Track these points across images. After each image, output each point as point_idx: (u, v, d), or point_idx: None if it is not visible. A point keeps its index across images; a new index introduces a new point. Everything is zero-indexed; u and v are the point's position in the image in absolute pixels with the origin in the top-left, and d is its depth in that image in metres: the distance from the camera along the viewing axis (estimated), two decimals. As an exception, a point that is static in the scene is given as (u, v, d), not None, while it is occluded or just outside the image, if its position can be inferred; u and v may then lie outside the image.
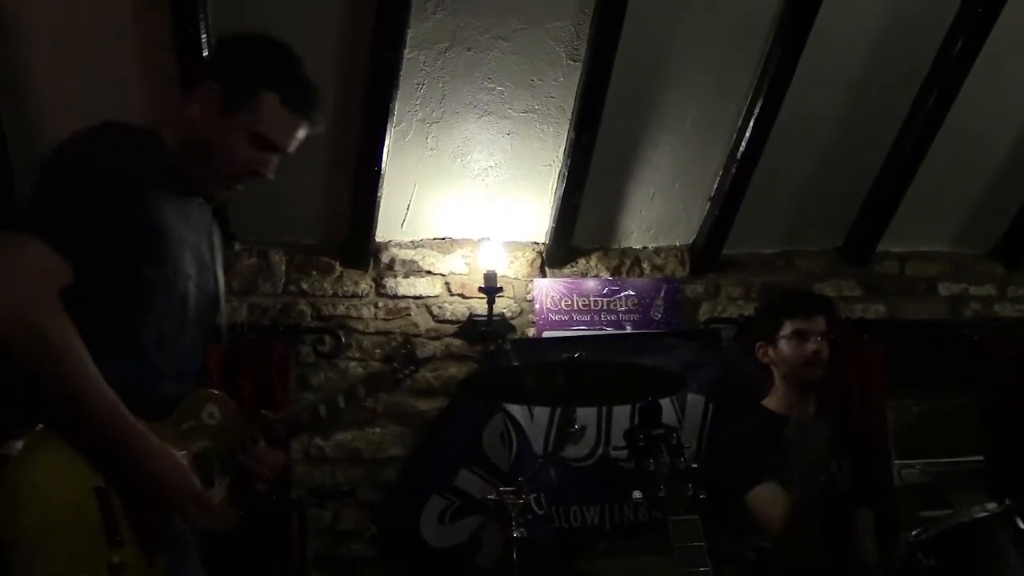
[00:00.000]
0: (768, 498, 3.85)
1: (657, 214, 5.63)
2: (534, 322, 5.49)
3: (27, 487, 2.01)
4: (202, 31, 4.32)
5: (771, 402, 4.28)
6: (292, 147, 2.57)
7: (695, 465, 2.61)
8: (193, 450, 2.31)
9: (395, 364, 3.22)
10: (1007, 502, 3.33)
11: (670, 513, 2.46)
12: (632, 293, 5.63)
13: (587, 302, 5.57)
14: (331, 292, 5.36)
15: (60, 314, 2.06)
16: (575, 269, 5.64)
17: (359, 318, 5.33)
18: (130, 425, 2.12)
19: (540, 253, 5.60)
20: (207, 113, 2.45)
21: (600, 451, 5.01)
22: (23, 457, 2.02)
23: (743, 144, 5.20)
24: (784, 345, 4.19)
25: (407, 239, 5.47)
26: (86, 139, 2.32)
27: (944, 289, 6.01)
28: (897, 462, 5.62)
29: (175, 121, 2.50)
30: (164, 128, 2.49)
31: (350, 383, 3.10)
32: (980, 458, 5.65)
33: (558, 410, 4.66)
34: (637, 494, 2.56)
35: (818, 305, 4.30)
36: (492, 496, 3.46)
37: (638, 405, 3.21)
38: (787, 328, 4.19)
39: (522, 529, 3.38)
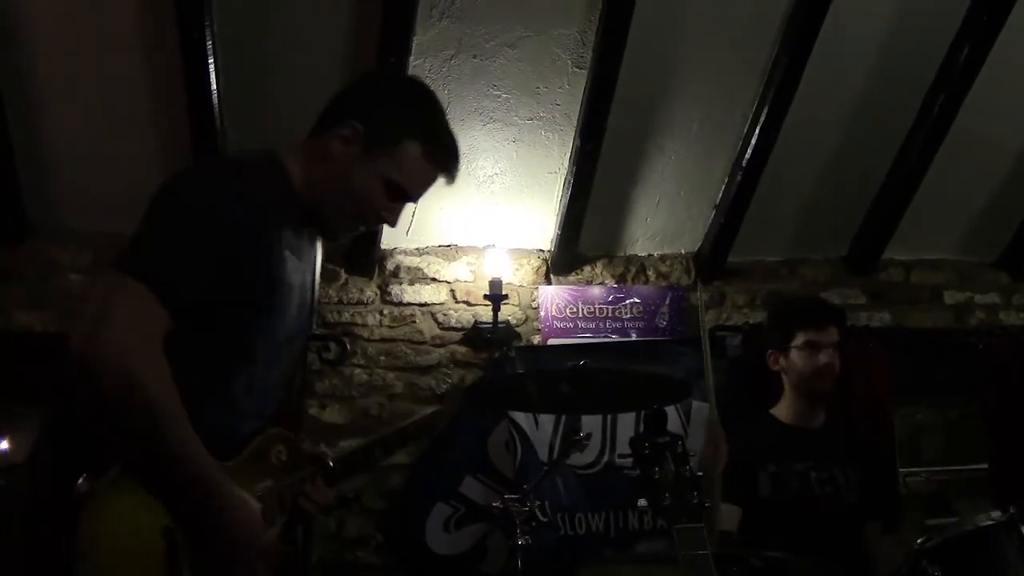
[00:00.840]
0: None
1: (662, 222, 5.63)
2: (539, 329, 5.50)
3: (105, 522, 2.00)
4: (207, 36, 4.34)
5: (779, 411, 4.26)
6: (423, 194, 2.51)
7: (700, 473, 2.60)
8: (257, 490, 2.26)
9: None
10: (1012, 510, 3.32)
11: (675, 521, 2.45)
12: (637, 301, 5.64)
13: (592, 309, 5.57)
14: (336, 299, 5.37)
15: (161, 366, 2.02)
16: (580, 276, 5.65)
17: (364, 325, 5.33)
18: (215, 482, 2.09)
19: (545, 260, 5.61)
20: (347, 152, 2.38)
21: (605, 459, 5.00)
22: (104, 494, 2.01)
23: (748, 152, 5.20)
24: (795, 355, 4.17)
25: (412, 246, 5.48)
26: (200, 177, 2.29)
27: (949, 297, 6.01)
28: (902, 470, 5.61)
29: (309, 154, 2.43)
30: (293, 157, 2.42)
31: (401, 427, 3.02)
32: (985, 466, 5.64)
33: (563, 418, 4.65)
34: (642, 502, 2.55)
35: (831, 315, 4.27)
36: (497, 504, 3.45)
37: (643, 413, 3.20)
38: (799, 339, 4.17)
39: (527, 537, 3.37)
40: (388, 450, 2.79)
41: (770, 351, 4.28)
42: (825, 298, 5.55)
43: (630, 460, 2.84)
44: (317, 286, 2.60)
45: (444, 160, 2.48)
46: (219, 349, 2.22)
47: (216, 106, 4.59)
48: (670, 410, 4.66)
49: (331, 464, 2.52)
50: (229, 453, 2.23)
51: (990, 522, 3.27)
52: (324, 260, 5.16)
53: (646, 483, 2.54)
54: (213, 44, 4.39)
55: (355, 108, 2.42)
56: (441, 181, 2.52)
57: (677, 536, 2.43)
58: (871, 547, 4.06)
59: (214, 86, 4.51)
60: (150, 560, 2.04)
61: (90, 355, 1.96)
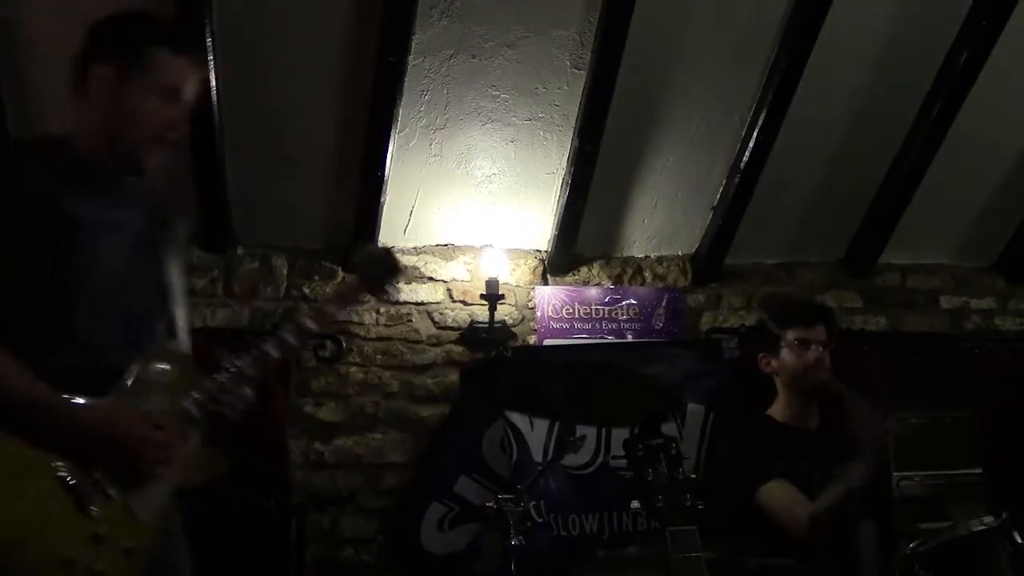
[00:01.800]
0: (787, 495, 3.82)
1: (660, 223, 5.64)
2: (535, 330, 5.50)
3: None
4: (207, 34, 4.34)
5: (775, 412, 4.27)
6: (192, 95, 2.63)
7: (694, 476, 2.61)
8: (153, 409, 2.39)
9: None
10: (1004, 516, 3.34)
11: (668, 523, 2.47)
12: (634, 302, 5.64)
13: (589, 310, 5.57)
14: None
15: None
16: (577, 277, 5.65)
17: (360, 324, 5.33)
18: (55, 401, 2.25)
19: (542, 261, 5.61)
20: (106, 88, 2.51)
21: (600, 459, 5.00)
22: None
23: (746, 155, 5.21)
24: (786, 354, 4.18)
25: (410, 245, 5.48)
26: None
27: (945, 302, 6.02)
28: (896, 474, 5.61)
29: (85, 115, 2.56)
30: (80, 129, 2.56)
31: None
32: (979, 471, 5.64)
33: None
34: (635, 504, 2.56)
35: (818, 314, 4.29)
36: (491, 504, 3.46)
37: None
38: (789, 337, 4.19)
39: (520, 537, 3.38)
40: (303, 333, 2.75)
41: (761, 355, 4.29)
42: (821, 301, 5.56)
43: (624, 462, 2.85)
44: (176, 229, 2.73)
45: (193, 48, 2.72)
46: (47, 293, 2.36)
47: (215, 104, 4.59)
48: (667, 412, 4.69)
49: (234, 367, 2.59)
50: (103, 385, 2.36)
51: (982, 527, 3.29)
52: (321, 259, 5.22)
53: (640, 485, 2.55)
54: (213, 42, 4.39)
55: (93, 54, 2.56)
56: (198, 67, 2.67)
57: (670, 538, 2.44)
58: (865, 549, 4.06)
59: (213, 83, 4.51)
60: (55, 512, 2.21)
61: None
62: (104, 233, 2.44)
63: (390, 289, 3.01)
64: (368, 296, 3.00)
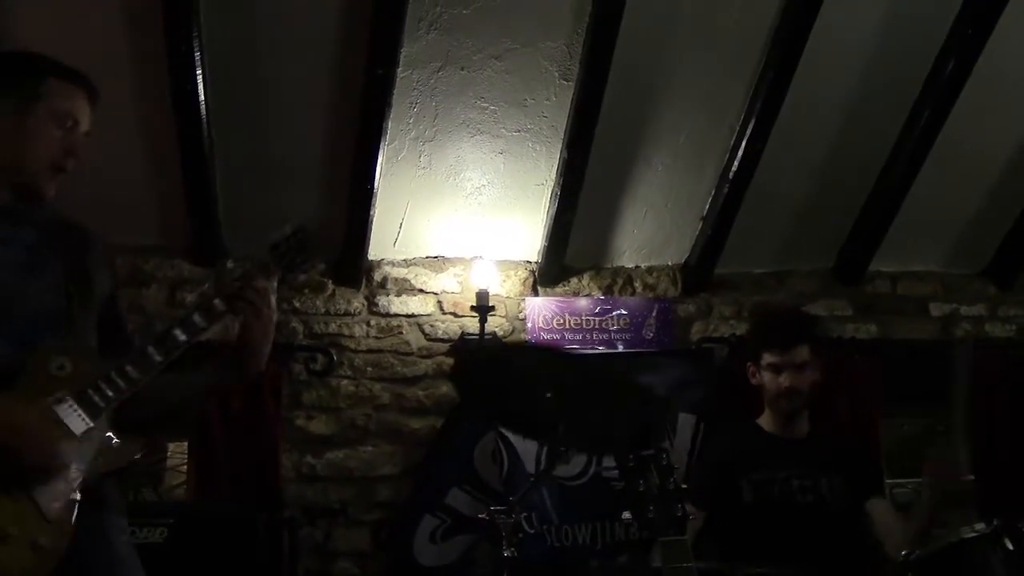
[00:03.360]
0: (890, 513, 3.99)
1: (649, 233, 5.65)
2: (526, 341, 5.49)
3: None
4: (195, 48, 4.34)
5: (763, 420, 4.28)
6: (87, 126, 2.66)
7: (685, 486, 2.61)
8: (48, 402, 2.38)
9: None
10: (996, 522, 3.33)
11: (659, 534, 2.46)
12: (624, 312, 5.64)
13: (579, 321, 5.57)
14: (323, 310, 5.37)
15: None
16: (567, 288, 5.65)
17: (351, 336, 5.33)
18: None
19: (532, 272, 5.61)
20: (6, 122, 2.56)
21: (592, 470, 5.00)
22: None
23: (735, 164, 5.22)
24: (764, 374, 4.20)
25: (400, 257, 5.48)
26: None
27: (936, 309, 6.02)
28: (889, 481, 5.61)
29: None
30: None
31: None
32: (971, 477, 5.64)
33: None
34: (627, 515, 2.56)
35: (795, 335, 4.24)
36: (483, 515, 3.45)
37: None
38: (765, 359, 4.20)
39: (513, 549, 3.36)
40: (212, 314, 2.67)
41: (749, 364, 4.30)
42: (811, 310, 5.58)
43: (616, 472, 2.85)
44: (77, 246, 2.69)
45: (81, 78, 2.66)
46: None
47: (204, 118, 4.59)
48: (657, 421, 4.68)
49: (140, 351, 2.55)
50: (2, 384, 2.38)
51: (974, 534, 3.29)
52: (311, 273, 5.22)
53: (631, 495, 2.55)
54: (201, 56, 4.39)
55: None
56: (89, 96, 2.67)
57: (661, 549, 2.44)
58: (881, 523, 4.07)
59: (202, 98, 4.52)
60: None
61: None
62: None
63: (301, 269, 2.97)
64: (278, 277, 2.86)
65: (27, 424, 2.34)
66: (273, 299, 2.73)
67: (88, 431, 2.41)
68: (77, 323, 2.57)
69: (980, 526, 3.31)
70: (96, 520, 2.46)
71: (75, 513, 2.36)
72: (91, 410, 2.42)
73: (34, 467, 2.32)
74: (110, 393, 2.45)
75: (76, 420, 2.40)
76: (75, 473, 2.38)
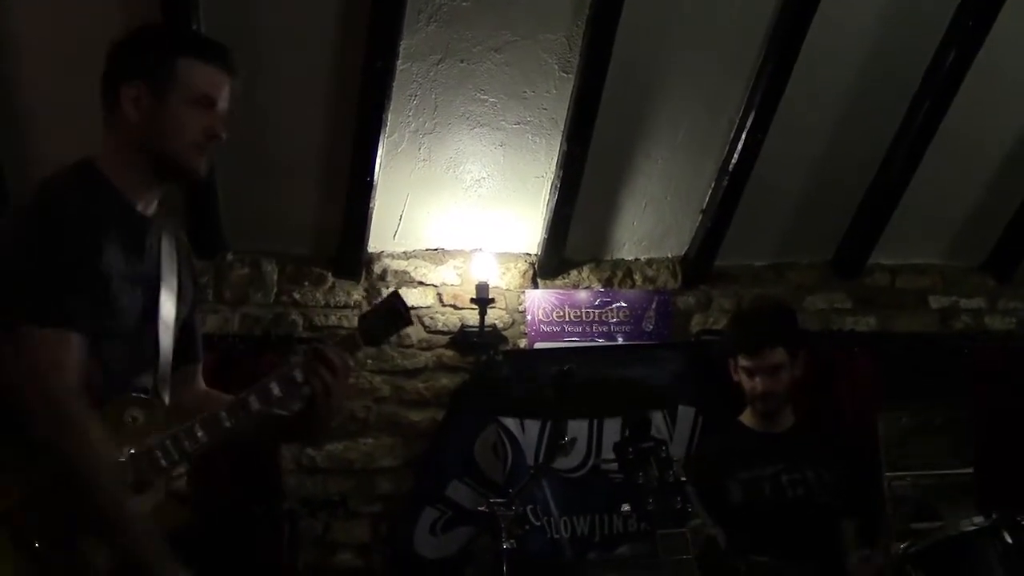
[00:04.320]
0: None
1: (649, 226, 5.64)
2: (526, 333, 5.50)
3: None
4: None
5: (746, 417, 4.30)
6: (226, 102, 2.60)
7: (684, 479, 2.62)
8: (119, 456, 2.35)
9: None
10: (994, 516, 3.35)
11: (658, 526, 2.47)
12: (624, 305, 5.64)
13: (579, 313, 5.57)
14: (323, 302, 5.36)
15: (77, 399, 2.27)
16: (567, 280, 5.65)
17: (351, 328, 5.30)
18: (121, 499, 2.28)
19: (532, 264, 5.61)
20: (143, 107, 2.50)
21: (591, 462, 5.00)
22: None
23: (735, 156, 5.21)
24: (740, 376, 4.22)
25: (399, 250, 5.48)
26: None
27: (935, 302, 6.02)
28: (888, 474, 5.61)
29: (116, 139, 2.55)
30: (108, 161, 2.54)
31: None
32: (970, 470, 5.64)
33: (548, 422, 4.67)
34: (626, 507, 2.57)
35: (767, 338, 4.24)
36: (483, 507, 3.46)
37: (627, 418, 3.22)
38: (740, 361, 4.22)
39: (512, 541, 3.38)
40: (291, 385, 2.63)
41: (731, 361, 4.31)
42: (811, 303, 5.61)
43: (615, 464, 2.85)
44: (186, 271, 2.73)
45: (219, 56, 2.59)
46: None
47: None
48: (656, 415, 4.71)
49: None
50: None
51: (972, 527, 3.30)
52: (310, 264, 5.21)
53: (630, 488, 2.56)
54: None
55: (121, 74, 2.54)
56: (230, 76, 2.61)
57: (660, 541, 2.45)
58: (846, 546, 4.08)
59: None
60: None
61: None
62: (130, 291, 2.45)
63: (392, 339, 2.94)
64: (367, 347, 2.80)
65: (147, 537, 2.32)
66: (349, 374, 2.68)
67: (148, 491, 2.37)
68: (160, 372, 2.54)
69: (979, 519, 3.33)
70: None
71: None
72: (153, 468, 2.39)
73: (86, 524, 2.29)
74: (175, 455, 2.41)
75: (140, 479, 2.36)
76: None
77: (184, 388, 2.67)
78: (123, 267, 2.43)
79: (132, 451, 2.36)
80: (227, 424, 2.48)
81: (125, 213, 2.49)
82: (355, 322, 5.18)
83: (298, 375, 2.56)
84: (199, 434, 2.44)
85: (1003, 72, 5.18)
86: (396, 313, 2.74)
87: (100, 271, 2.37)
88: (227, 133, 2.60)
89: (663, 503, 2.49)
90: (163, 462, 2.39)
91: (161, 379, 2.54)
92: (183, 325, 2.66)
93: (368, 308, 2.80)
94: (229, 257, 5.29)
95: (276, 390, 2.54)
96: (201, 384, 2.78)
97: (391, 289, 5.34)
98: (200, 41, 2.62)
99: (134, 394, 2.46)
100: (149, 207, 2.57)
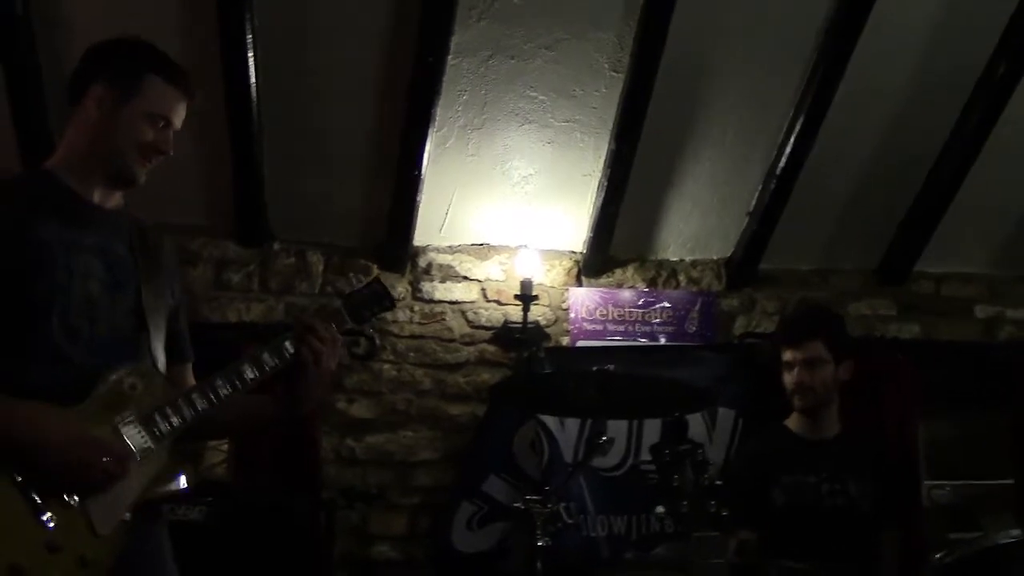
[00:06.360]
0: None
1: (695, 227, 5.64)
2: (568, 331, 5.51)
3: None
4: (247, 31, 4.39)
5: (791, 421, 4.28)
6: (180, 122, 2.75)
7: (720, 482, 2.63)
8: (115, 420, 2.44)
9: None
10: (1032, 529, 3.33)
11: (693, 529, 2.48)
12: (667, 305, 5.64)
13: (622, 313, 5.58)
14: (368, 294, 5.38)
15: None
16: (611, 279, 5.66)
17: (395, 321, 5.34)
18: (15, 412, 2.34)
19: (577, 262, 5.62)
20: (104, 109, 2.63)
21: (630, 462, 5.02)
22: None
23: (783, 161, 5.21)
24: (783, 372, 4.22)
25: (445, 244, 5.50)
26: None
27: (980, 311, 5.98)
28: (928, 483, 5.59)
29: (73, 134, 2.70)
30: (62, 156, 2.68)
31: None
32: (1011, 481, 5.61)
33: (588, 421, 4.68)
34: (660, 508, 2.58)
35: (806, 331, 4.24)
36: (518, 504, 3.47)
37: (665, 420, 3.23)
38: (784, 356, 4.21)
39: (547, 538, 3.38)
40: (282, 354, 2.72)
41: (779, 362, 4.31)
42: (855, 309, 5.59)
43: (653, 465, 2.87)
44: (153, 254, 2.77)
45: (182, 80, 2.74)
46: (20, 310, 2.44)
47: (254, 99, 4.63)
48: (695, 417, 4.69)
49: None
50: (77, 397, 2.43)
51: (1009, 540, 3.28)
52: (356, 256, 5.24)
53: (665, 490, 2.57)
54: (253, 40, 4.43)
55: (92, 73, 2.68)
56: (188, 100, 2.75)
57: (694, 543, 2.45)
58: (887, 556, 4.06)
59: (252, 80, 4.55)
60: (9, 517, 2.26)
61: None
62: (74, 255, 2.53)
63: (372, 321, 3.02)
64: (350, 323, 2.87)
65: (97, 438, 2.39)
66: (338, 350, 2.77)
67: (148, 454, 2.46)
68: (150, 345, 2.63)
69: (1016, 532, 3.30)
70: (148, 534, 2.53)
71: (123, 533, 2.41)
72: (154, 434, 2.48)
73: (96, 481, 2.36)
74: (175, 420, 2.51)
75: (139, 441, 2.45)
76: (129, 494, 2.43)
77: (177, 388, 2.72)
78: (64, 235, 2.52)
79: (131, 417, 2.46)
80: (223, 391, 2.58)
81: (67, 197, 2.60)
82: (399, 315, 5.29)
83: (288, 346, 2.68)
84: (196, 399, 2.55)
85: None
86: (379, 296, 2.89)
87: (28, 238, 2.47)
88: (172, 151, 2.73)
89: (698, 506, 2.50)
90: (162, 428, 2.49)
91: (155, 364, 2.63)
92: (168, 328, 2.74)
93: (353, 289, 2.86)
94: (276, 247, 5.34)
95: (267, 358, 2.66)
96: (192, 383, 2.82)
97: (433, 283, 5.40)
98: (169, 64, 2.74)
99: (135, 364, 2.55)
100: (107, 200, 2.68)
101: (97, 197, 2.66)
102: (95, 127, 2.64)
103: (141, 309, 2.63)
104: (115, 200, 2.71)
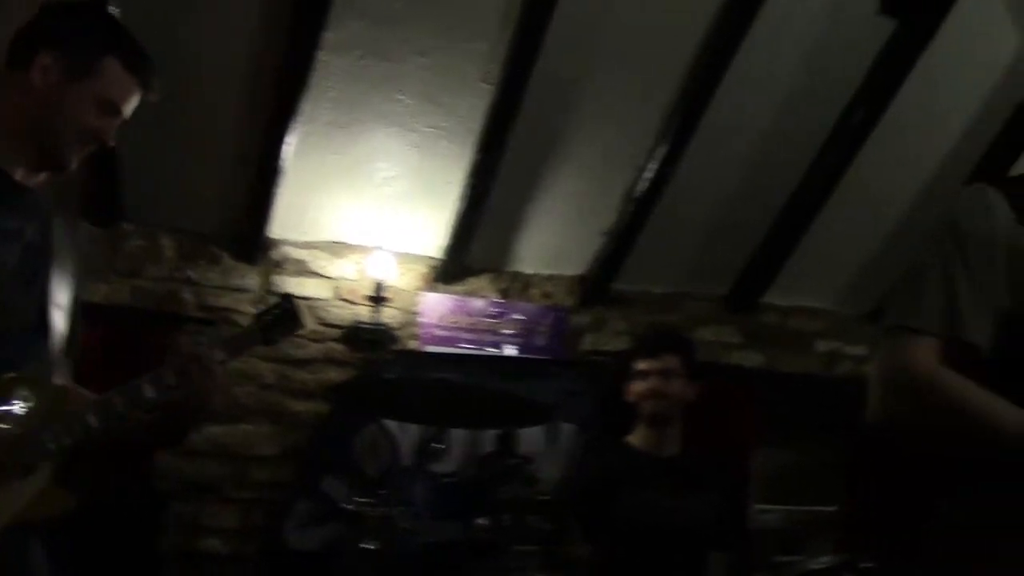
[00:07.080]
0: None
1: (552, 242, 5.69)
2: (418, 335, 5.50)
3: None
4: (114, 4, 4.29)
5: (634, 437, 4.34)
6: (129, 113, 2.53)
7: (547, 497, 2.65)
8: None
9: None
10: (846, 556, 3.44)
11: (514, 542, 2.50)
12: (519, 317, 5.68)
13: (473, 321, 5.60)
14: (217, 283, 5.31)
15: None
16: (465, 287, 5.67)
17: (242, 312, 5.26)
18: None
19: (433, 268, 5.62)
20: (49, 81, 2.37)
21: (465, 470, 5.03)
22: None
23: (643, 185, 5.29)
24: (634, 383, 4.29)
25: (301, 239, 5.45)
26: None
27: (821, 345, 6.17)
28: (759, 506, 5.72)
29: (6, 104, 2.42)
30: None
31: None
32: (834, 508, 5.78)
33: (428, 427, 4.70)
34: (482, 520, 2.59)
35: (666, 344, 4.36)
36: (349, 506, 3.46)
37: (497, 433, 3.25)
38: (637, 367, 4.29)
39: (377, 541, 3.38)
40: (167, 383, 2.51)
41: (624, 379, 4.39)
42: (701, 335, 5.69)
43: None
44: (64, 240, 2.54)
45: (143, 70, 2.51)
46: None
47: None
48: (534, 431, 4.74)
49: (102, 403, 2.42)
50: None
51: (818, 566, 3.39)
52: (209, 243, 5.16)
53: (491, 501, 2.59)
54: (121, 10, 4.32)
55: (46, 38, 2.42)
56: (143, 92, 2.53)
57: (512, 557, 2.48)
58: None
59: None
60: None
61: None
62: None
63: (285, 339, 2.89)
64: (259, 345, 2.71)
65: None
66: (223, 374, 2.54)
67: (28, 478, 2.25)
68: (51, 346, 2.43)
69: (825, 559, 3.41)
70: (21, 539, 2.32)
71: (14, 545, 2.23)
72: (43, 453, 2.28)
73: None
74: (65, 439, 2.30)
75: (19, 463, 2.24)
76: (8, 513, 2.21)
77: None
78: None
79: (18, 433, 2.25)
80: (119, 410, 2.37)
81: None
82: (247, 306, 5.21)
83: (170, 379, 2.44)
84: (90, 420, 2.33)
85: (910, 128, 5.32)
86: (293, 317, 2.70)
87: None
88: (108, 145, 2.52)
89: (519, 520, 2.52)
90: (50, 446, 2.28)
91: (54, 363, 2.43)
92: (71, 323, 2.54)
93: (264, 306, 2.73)
94: (126, 227, 5.22)
95: (148, 391, 2.42)
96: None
97: (285, 277, 5.34)
98: (133, 49, 2.49)
99: (26, 375, 2.33)
100: (28, 180, 2.44)
101: (19, 175, 2.41)
102: (35, 99, 2.37)
103: (47, 304, 2.43)
104: (38, 177, 2.46)
